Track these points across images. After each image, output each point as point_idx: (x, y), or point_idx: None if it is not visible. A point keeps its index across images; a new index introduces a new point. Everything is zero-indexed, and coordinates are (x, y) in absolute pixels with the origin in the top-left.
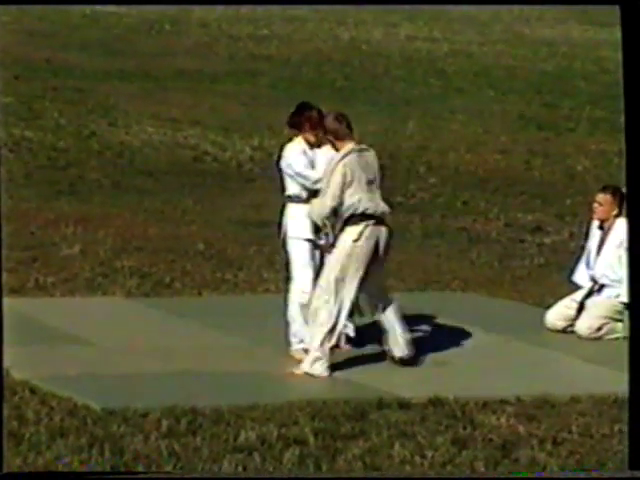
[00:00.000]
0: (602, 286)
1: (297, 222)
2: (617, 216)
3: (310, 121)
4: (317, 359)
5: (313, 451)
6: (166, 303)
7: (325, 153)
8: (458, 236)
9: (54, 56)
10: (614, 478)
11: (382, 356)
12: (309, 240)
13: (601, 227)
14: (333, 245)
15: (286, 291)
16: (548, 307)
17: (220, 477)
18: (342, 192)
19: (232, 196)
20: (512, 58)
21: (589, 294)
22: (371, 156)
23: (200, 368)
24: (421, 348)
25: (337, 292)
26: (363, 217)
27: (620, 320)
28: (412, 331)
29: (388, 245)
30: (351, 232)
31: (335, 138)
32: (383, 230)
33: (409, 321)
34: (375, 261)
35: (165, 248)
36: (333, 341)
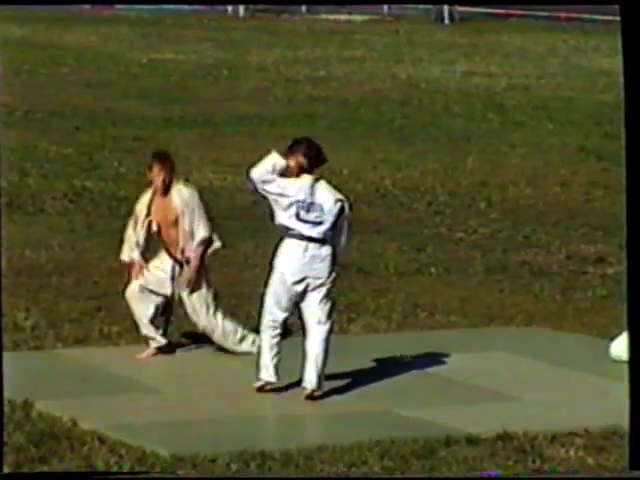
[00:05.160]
0: None
1: None
2: None
3: None
4: None
5: None
6: None
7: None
8: (520, 270)
9: (113, 105)
10: (614, 478)
11: (448, 391)
12: None
13: None
14: None
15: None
16: (613, 338)
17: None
18: None
19: None
20: (570, 90)
21: None
22: None
23: (267, 411)
24: (487, 383)
25: None
26: None
27: None
28: (478, 367)
29: None
30: None
31: None
32: None
33: (475, 357)
34: None
35: (228, 293)
36: None
